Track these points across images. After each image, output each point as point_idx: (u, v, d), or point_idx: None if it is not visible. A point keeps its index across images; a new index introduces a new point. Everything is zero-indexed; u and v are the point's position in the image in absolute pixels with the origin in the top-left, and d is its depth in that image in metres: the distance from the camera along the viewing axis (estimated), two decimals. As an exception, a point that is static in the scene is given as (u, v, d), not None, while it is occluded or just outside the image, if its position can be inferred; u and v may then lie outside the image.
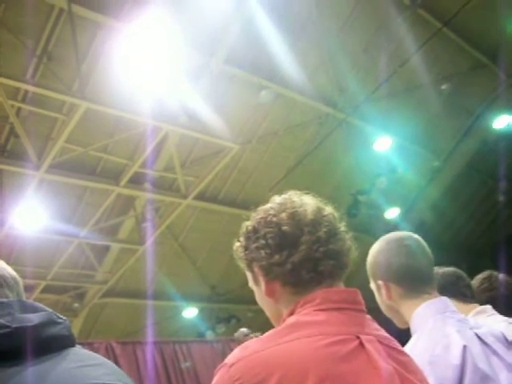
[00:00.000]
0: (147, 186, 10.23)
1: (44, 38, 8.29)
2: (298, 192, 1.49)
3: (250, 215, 1.51)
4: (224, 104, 9.62)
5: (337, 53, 10.58)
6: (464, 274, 2.65)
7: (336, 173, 12.76)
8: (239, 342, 7.71)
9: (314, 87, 10.82)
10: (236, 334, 8.00)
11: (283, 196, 1.49)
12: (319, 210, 1.43)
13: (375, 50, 11.03)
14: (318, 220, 1.40)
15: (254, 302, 1.56)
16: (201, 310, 13.14)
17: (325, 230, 1.39)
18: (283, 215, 1.41)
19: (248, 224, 1.48)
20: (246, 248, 1.46)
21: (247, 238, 1.46)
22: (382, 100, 11.27)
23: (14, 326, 1.19)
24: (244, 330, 7.93)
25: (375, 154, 12.31)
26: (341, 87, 11.14)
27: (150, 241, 10.77)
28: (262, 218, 1.44)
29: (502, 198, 14.77)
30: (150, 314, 11.75)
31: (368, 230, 11.00)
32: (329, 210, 1.45)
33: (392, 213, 14.04)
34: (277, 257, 1.37)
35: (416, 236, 2.09)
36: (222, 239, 12.22)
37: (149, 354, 9.58)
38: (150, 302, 11.71)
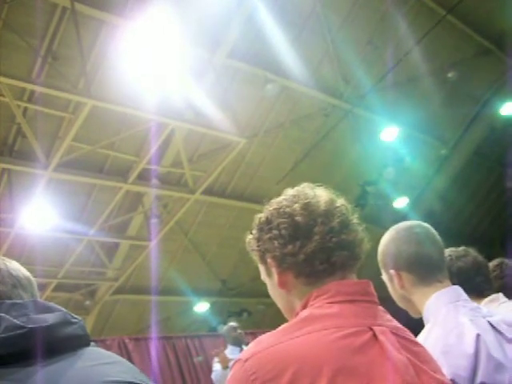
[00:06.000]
0: (155, 182, 10.25)
1: (48, 37, 8.30)
2: (311, 184, 1.50)
3: (259, 208, 1.51)
4: (229, 98, 9.61)
5: (341, 44, 10.55)
6: (483, 264, 2.61)
7: (343, 164, 12.74)
8: (228, 336, 7.61)
9: (318, 79, 10.80)
10: (225, 328, 7.88)
11: (296, 188, 1.49)
12: (332, 202, 1.43)
13: (379, 40, 10.99)
14: (331, 211, 1.40)
15: (265, 296, 1.56)
16: (212, 305, 13.17)
17: (338, 220, 1.39)
18: (296, 206, 1.41)
19: (261, 215, 1.49)
20: (258, 239, 1.47)
21: (260, 230, 1.47)
22: (388, 90, 11.23)
23: (30, 326, 1.20)
24: (233, 324, 7.81)
25: (382, 144, 12.29)
26: (346, 78, 11.11)
27: (158, 237, 10.80)
28: (275, 209, 1.45)
29: (510, 185, 14.70)
30: (160, 310, 11.79)
31: (377, 221, 10.98)
32: (341, 201, 1.46)
33: (400, 203, 14.03)
34: (290, 247, 1.38)
35: (426, 224, 2.09)
36: (231, 233, 12.24)
37: (161, 349, 9.62)
38: (157, 298, 11.74)
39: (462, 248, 2.62)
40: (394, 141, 12.21)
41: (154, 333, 10.18)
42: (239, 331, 7.48)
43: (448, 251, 2.44)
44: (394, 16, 10.56)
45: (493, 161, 15.26)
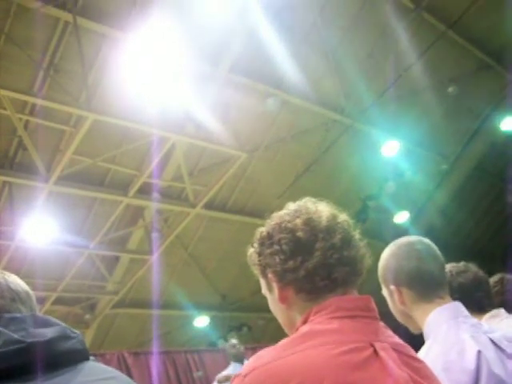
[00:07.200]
0: (155, 195, 10.25)
1: (50, 51, 8.34)
2: (313, 199, 1.49)
3: (260, 223, 1.51)
4: (230, 113, 9.63)
5: (342, 58, 10.58)
6: (483, 279, 2.61)
7: (344, 178, 12.74)
8: (229, 354, 7.61)
9: (319, 93, 10.82)
10: (226, 346, 7.90)
11: (298, 203, 1.49)
12: (334, 217, 1.43)
13: (380, 55, 11.03)
14: (332, 227, 1.40)
15: (265, 310, 1.55)
16: (212, 319, 13.12)
17: (339, 236, 1.38)
18: (298, 221, 1.40)
19: (262, 230, 1.48)
20: (259, 254, 1.46)
21: (261, 244, 1.46)
22: (389, 104, 11.25)
23: (28, 341, 1.20)
24: (233, 341, 7.86)
25: (383, 159, 12.29)
26: (347, 93, 11.13)
27: (159, 251, 10.79)
28: (276, 223, 1.44)
29: (511, 200, 14.69)
30: (161, 324, 11.75)
31: (377, 235, 10.96)
32: (343, 217, 1.45)
33: (401, 217, 14.01)
34: (291, 263, 1.37)
35: (427, 240, 2.09)
36: (231, 248, 12.22)
37: (161, 363, 9.58)
38: (158, 312, 11.71)
39: (462, 263, 2.62)
40: (394, 155, 12.21)
41: (156, 347, 10.13)
42: (238, 347, 7.49)
43: (448, 267, 2.43)
44: (394, 31, 10.60)
45: (493, 176, 15.26)
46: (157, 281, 11.05)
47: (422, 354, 1.80)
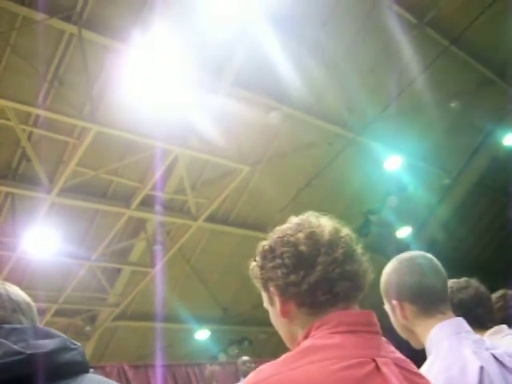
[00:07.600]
0: (158, 208, 10.25)
1: (55, 63, 8.37)
2: (315, 213, 1.49)
3: (262, 236, 1.50)
4: (233, 125, 9.65)
5: (345, 72, 10.60)
6: (484, 295, 2.60)
7: (346, 192, 12.73)
8: (239, 370, 7.66)
9: (322, 107, 10.85)
10: (238, 362, 7.99)
11: (300, 216, 1.48)
12: (336, 231, 1.42)
13: (383, 69, 11.05)
14: (335, 241, 1.39)
15: (267, 324, 1.54)
16: (213, 332, 13.08)
17: (341, 251, 1.38)
18: (300, 235, 1.40)
19: (265, 243, 1.48)
20: (262, 267, 1.45)
21: (264, 258, 1.46)
22: (392, 119, 11.26)
23: (29, 352, 1.19)
24: (244, 358, 7.95)
25: (385, 173, 12.29)
26: (349, 107, 11.14)
27: (161, 263, 10.77)
28: (279, 237, 1.44)
29: (513, 215, 14.66)
30: (162, 337, 11.71)
31: (379, 250, 10.94)
32: (346, 231, 1.44)
33: (403, 232, 14.00)
34: (293, 277, 1.36)
35: (429, 255, 2.08)
36: (233, 261, 12.19)
37: (161, 377, 9.54)
38: (160, 325, 11.67)
39: (463, 279, 2.61)
40: (397, 170, 12.22)
41: (157, 360, 10.10)
42: (249, 364, 7.60)
43: (450, 283, 2.42)
44: (397, 45, 10.63)
45: (495, 190, 15.25)
46: (159, 293, 11.03)
47: (424, 369, 1.79)
